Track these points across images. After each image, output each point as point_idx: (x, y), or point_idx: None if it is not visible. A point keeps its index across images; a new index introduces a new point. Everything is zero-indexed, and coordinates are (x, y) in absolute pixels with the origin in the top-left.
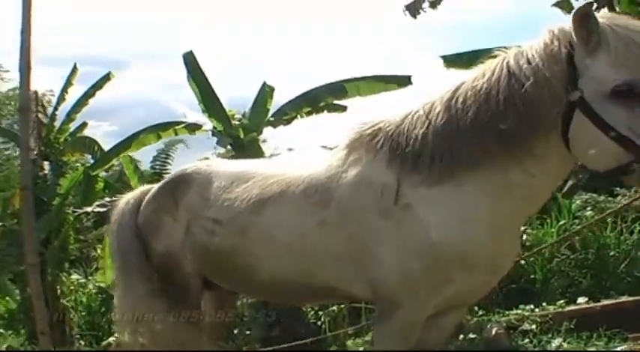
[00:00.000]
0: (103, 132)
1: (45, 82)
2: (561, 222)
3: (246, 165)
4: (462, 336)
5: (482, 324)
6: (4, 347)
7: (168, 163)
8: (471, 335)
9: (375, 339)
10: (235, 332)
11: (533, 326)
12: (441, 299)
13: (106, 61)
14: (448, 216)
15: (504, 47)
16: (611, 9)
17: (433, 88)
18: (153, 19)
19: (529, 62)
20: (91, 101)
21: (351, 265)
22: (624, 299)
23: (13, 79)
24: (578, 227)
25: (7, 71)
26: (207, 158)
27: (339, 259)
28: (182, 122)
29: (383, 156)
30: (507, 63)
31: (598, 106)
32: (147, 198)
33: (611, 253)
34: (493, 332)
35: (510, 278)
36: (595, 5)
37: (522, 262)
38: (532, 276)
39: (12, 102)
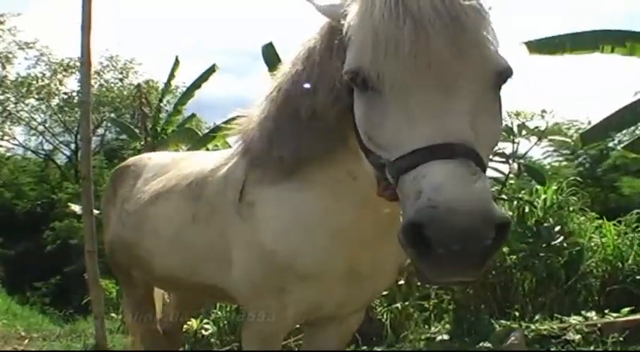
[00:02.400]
0: None
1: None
2: None
3: (175, 158)
4: (481, 344)
5: (512, 331)
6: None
7: None
8: (486, 344)
9: (242, 343)
10: None
11: (577, 337)
12: (292, 309)
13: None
14: (281, 219)
15: None
16: None
17: None
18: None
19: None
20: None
21: (226, 264)
22: None
23: (147, 72)
24: None
25: (140, 64)
26: None
27: (215, 257)
28: None
29: (242, 149)
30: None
31: (355, 99)
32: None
33: None
34: (509, 340)
35: (613, 279)
36: None
37: (629, 261)
38: (638, 277)
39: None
